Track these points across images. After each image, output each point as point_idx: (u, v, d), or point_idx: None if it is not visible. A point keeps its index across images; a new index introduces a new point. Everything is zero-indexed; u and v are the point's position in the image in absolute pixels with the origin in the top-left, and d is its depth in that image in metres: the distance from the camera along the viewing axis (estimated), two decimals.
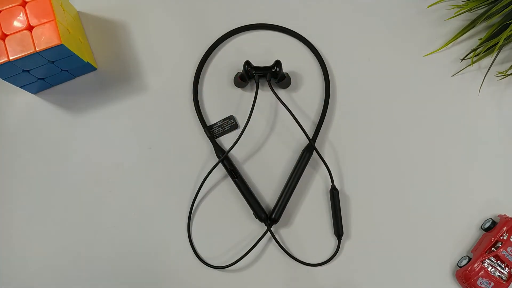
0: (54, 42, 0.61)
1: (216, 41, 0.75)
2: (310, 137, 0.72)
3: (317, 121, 0.73)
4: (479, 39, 0.74)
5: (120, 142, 0.73)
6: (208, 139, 0.73)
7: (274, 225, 0.71)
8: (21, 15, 0.62)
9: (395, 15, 0.77)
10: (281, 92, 0.75)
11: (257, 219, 0.71)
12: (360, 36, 0.76)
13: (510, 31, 0.68)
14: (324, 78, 0.74)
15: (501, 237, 0.68)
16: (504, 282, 0.67)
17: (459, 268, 0.70)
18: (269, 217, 0.70)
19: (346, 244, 0.71)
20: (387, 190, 0.72)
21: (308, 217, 0.72)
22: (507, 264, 0.67)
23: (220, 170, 0.72)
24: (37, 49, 0.61)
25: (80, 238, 0.71)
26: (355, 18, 0.77)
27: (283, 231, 0.72)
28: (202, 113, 0.73)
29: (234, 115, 0.74)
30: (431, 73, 0.75)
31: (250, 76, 0.70)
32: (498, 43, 0.70)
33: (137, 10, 0.76)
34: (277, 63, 0.69)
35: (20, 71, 0.65)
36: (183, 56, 0.75)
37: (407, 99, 0.75)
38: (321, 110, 0.73)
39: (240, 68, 0.75)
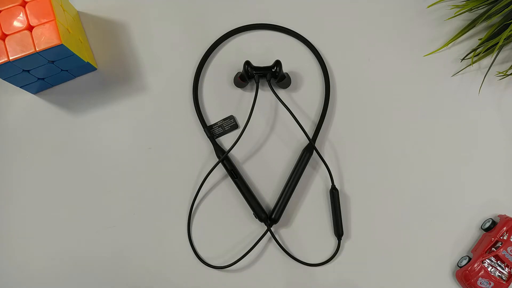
0: (54, 42, 0.61)
1: (216, 41, 0.75)
2: (310, 137, 0.72)
3: (317, 121, 0.73)
4: (479, 39, 0.74)
5: (120, 142, 0.73)
6: (208, 139, 0.73)
7: (274, 225, 0.71)
8: (21, 15, 0.62)
9: (395, 15, 0.77)
10: (281, 92, 0.75)
11: (257, 219, 0.71)
12: (360, 36, 0.76)
13: (510, 31, 0.68)
14: (324, 78, 0.74)
15: (501, 237, 0.68)
16: (504, 282, 0.67)
17: (459, 268, 0.70)
18: (269, 217, 0.70)
19: (346, 244, 0.71)
20: (387, 190, 0.72)
21: (308, 217, 0.72)
22: (507, 264, 0.67)
23: (220, 170, 0.72)
24: (37, 49, 0.61)
25: (80, 238, 0.71)
26: (355, 18, 0.77)
27: (283, 231, 0.72)
28: (202, 113, 0.73)
29: (234, 115, 0.74)
30: (431, 73, 0.75)
31: (250, 76, 0.70)
32: (498, 43, 0.70)
33: (137, 10, 0.76)
34: (277, 63, 0.69)
35: (20, 71, 0.65)
36: (183, 56, 0.75)
37: (407, 99, 0.75)
38: (321, 110, 0.73)
39: (240, 68, 0.75)
